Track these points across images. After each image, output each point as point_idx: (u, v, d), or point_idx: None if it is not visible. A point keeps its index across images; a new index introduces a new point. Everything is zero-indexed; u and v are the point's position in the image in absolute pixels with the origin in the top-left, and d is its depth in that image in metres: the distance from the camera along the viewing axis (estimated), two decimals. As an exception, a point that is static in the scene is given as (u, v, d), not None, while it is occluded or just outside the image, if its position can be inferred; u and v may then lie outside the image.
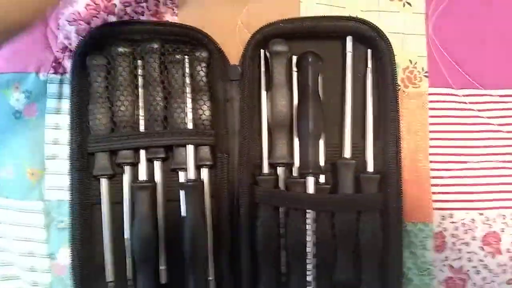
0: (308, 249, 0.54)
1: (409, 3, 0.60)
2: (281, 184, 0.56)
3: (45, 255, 0.59)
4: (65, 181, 0.57)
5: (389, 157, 0.54)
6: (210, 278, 0.56)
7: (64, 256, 0.59)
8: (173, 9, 0.61)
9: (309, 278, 0.54)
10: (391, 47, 0.55)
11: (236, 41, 0.60)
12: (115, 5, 0.60)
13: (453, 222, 0.57)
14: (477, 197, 0.58)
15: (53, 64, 0.60)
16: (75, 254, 0.56)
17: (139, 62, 0.58)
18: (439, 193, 0.58)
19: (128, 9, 0.61)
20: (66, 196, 0.58)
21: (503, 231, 0.58)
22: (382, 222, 0.54)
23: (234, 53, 0.58)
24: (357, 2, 0.60)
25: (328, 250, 0.55)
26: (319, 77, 0.56)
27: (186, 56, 0.57)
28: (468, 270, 0.57)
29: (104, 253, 0.56)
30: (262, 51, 0.57)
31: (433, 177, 0.58)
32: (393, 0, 0.60)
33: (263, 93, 0.57)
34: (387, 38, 0.55)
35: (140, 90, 0.57)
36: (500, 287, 0.57)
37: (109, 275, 0.56)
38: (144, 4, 0.61)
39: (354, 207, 0.54)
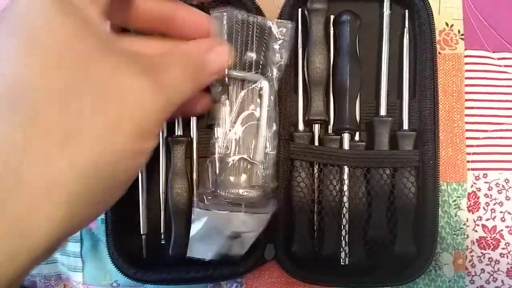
0: (342, 206, 0.54)
1: (445, -33, 0.61)
2: (316, 142, 0.57)
3: (77, 209, 0.60)
4: (101, 136, 0.58)
5: (426, 114, 0.54)
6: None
7: (97, 210, 0.59)
8: (210, -30, 0.62)
9: (342, 234, 0.54)
10: (430, 6, 0.55)
11: (272, 1, 0.60)
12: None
13: (487, 182, 0.58)
14: (511, 158, 0.58)
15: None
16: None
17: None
18: (473, 153, 0.58)
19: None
20: (101, 151, 0.59)
21: (537, 191, 0.58)
22: (418, 180, 0.54)
23: (271, 12, 0.58)
24: (393, -35, 0.60)
25: (363, 207, 0.55)
26: (356, 37, 0.57)
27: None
28: (501, 230, 0.57)
29: (140, 207, 0.57)
30: (299, 9, 0.57)
31: (468, 138, 0.58)
32: (430, -36, 0.61)
33: (300, 51, 0.57)
34: (425, -3, 0.55)
35: (178, 46, 0.58)
36: (534, 247, 0.58)
37: (144, 228, 0.57)
38: (182, -36, 0.62)
39: (390, 163, 0.54)
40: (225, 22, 0.51)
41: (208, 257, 0.53)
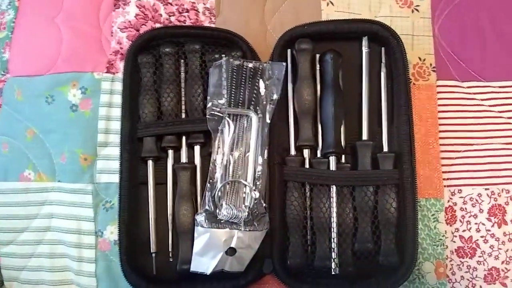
0: (331, 221, 0.60)
1: (417, 10, 0.69)
2: (306, 164, 0.63)
3: (92, 232, 0.66)
4: (114, 165, 0.65)
5: (403, 138, 0.61)
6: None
7: (110, 233, 0.66)
8: (210, 18, 0.70)
9: (332, 246, 0.60)
10: (402, 44, 0.63)
11: (265, 43, 0.69)
12: (161, 15, 0.70)
13: (461, 197, 0.64)
14: (483, 174, 0.64)
15: (107, 65, 0.69)
16: (122, 228, 0.62)
17: (183, 60, 0.66)
18: (448, 172, 0.64)
19: (172, 18, 0.70)
20: (114, 179, 0.65)
21: (507, 204, 0.64)
22: (398, 196, 0.60)
23: (264, 53, 0.66)
24: (371, 9, 0.69)
25: (350, 222, 0.61)
26: (339, 72, 0.64)
27: (223, 55, 0.65)
28: (477, 240, 0.63)
29: (150, 227, 0.63)
30: (289, 50, 0.65)
31: (443, 158, 0.65)
32: (403, 7, 0.69)
33: (290, 86, 0.65)
34: (399, 36, 0.63)
35: (183, 84, 0.66)
36: (507, 254, 0.63)
37: (153, 247, 0.63)
38: (186, 14, 0.70)
39: (373, 181, 0.61)
40: (223, 69, 0.62)
41: (209, 271, 0.59)
